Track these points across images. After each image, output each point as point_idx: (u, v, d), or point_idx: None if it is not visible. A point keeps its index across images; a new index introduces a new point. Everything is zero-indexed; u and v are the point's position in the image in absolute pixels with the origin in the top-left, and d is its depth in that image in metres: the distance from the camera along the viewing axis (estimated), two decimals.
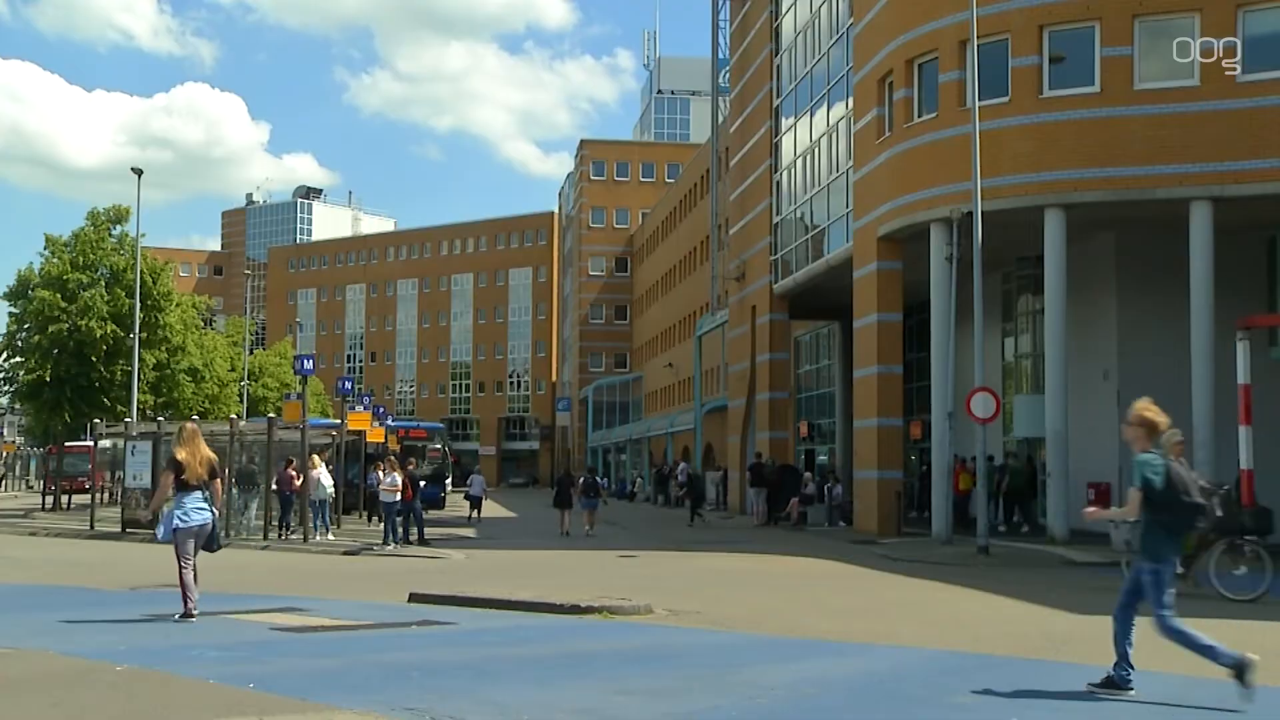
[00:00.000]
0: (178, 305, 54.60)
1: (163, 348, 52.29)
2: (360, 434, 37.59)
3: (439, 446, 51.52)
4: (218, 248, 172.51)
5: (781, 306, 44.30)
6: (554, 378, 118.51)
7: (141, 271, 47.70)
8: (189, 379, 55.82)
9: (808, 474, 40.18)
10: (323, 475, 29.18)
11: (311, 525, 28.55)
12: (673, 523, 40.10)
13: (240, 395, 68.89)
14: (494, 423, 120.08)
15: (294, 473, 29.00)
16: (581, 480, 35.88)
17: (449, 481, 51.21)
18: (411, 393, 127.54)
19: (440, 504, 44.69)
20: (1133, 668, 8.65)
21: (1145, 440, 8.77)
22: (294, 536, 28.65)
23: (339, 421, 37.16)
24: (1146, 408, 8.83)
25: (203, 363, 58.50)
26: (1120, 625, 8.71)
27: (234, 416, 36.40)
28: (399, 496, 27.00)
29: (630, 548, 27.03)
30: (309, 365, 33.99)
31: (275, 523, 29.06)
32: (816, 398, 48.54)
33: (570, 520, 33.86)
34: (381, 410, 47.14)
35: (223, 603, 14.40)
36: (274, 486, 29.08)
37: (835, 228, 37.64)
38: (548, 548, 27.83)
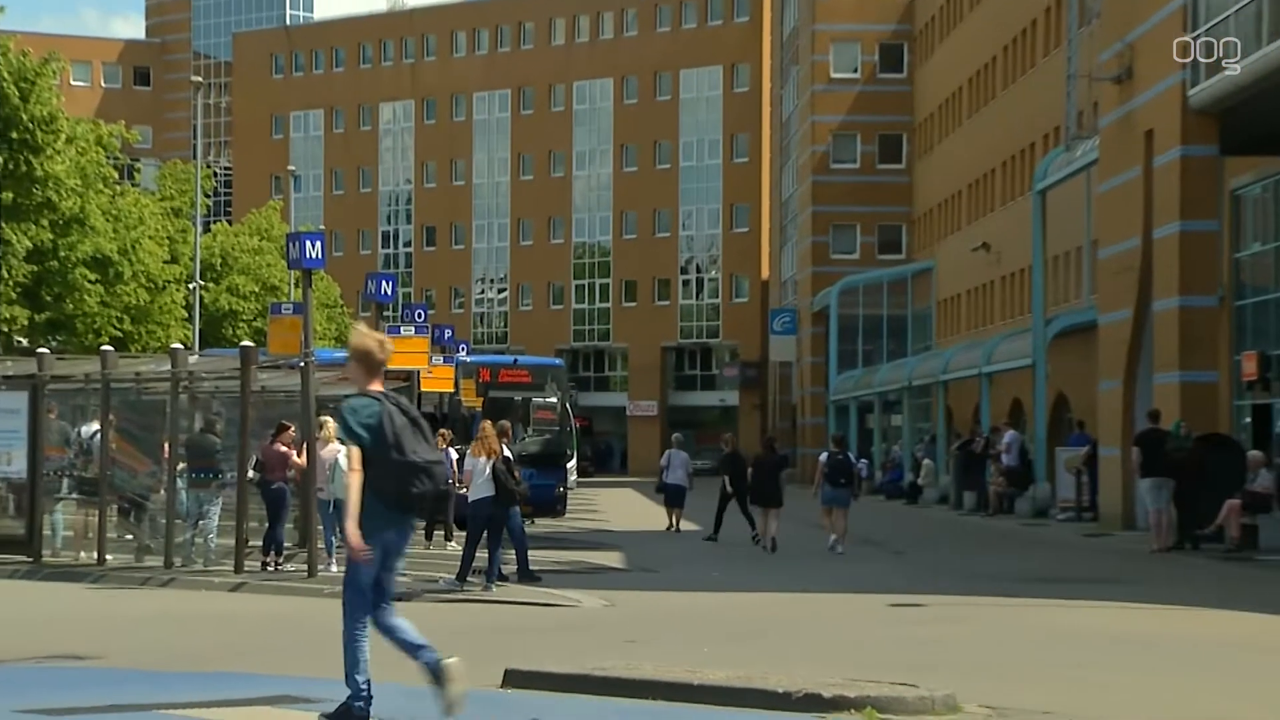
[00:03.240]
0: (70, 141, 55.51)
1: (44, 219, 53.27)
2: (411, 376, 38.04)
3: (553, 401, 51.85)
4: (140, 34, 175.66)
5: (1205, 133, 43.51)
6: (765, 273, 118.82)
7: (2, 78, 48.65)
8: (92, 275, 56.75)
9: (1256, 453, 39.44)
10: (341, 455, 29.68)
11: (322, 544, 29.08)
12: (993, 542, 39.99)
13: (188, 307, 69.78)
14: (655, 357, 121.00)
15: (288, 449, 29.55)
16: (823, 459, 36.03)
17: (573, 466, 51.47)
18: (503, 301, 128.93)
19: (556, 508, 45.00)
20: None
21: (365, 378, 11.59)
22: (288, 567, 29.23)
23: None
24: (365, 334, 11.88)
25: (118, 247, 59.32)
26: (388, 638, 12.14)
27: (178, 346, 37.20)
28: (492, 494, 26.92)
29: (911, 589, 27.08)
30: (314, 251, 34.31)
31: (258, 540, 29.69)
32: (1275, 305, 47.46)
33: (772, 524, 34.82)
34: (449, 335, 47.67)
35: (162, 688, 14.73)
36: (252, 474, 29.68)
37: None
38: (754, 587, 28.06)
